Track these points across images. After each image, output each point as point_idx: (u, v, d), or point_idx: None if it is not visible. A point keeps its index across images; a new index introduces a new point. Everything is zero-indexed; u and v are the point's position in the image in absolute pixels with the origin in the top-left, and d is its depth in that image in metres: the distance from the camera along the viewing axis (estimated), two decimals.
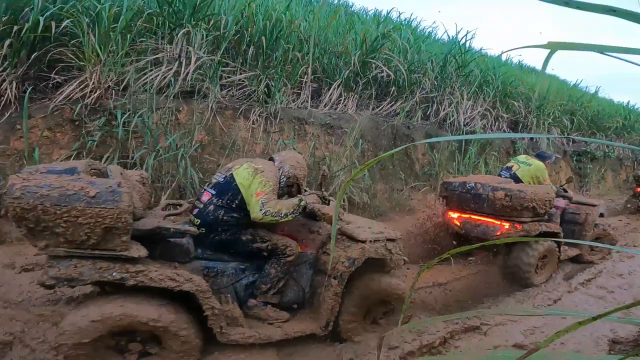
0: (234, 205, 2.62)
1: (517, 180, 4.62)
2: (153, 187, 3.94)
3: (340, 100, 6.16)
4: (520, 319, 3.43)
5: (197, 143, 4.27)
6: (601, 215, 5.26)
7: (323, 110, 5.81)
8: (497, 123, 8.21)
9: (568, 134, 10.35)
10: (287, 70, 5.54)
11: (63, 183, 2.02)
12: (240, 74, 5.07)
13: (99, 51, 3.85)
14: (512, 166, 4.93)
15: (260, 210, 2.53)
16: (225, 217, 2.61)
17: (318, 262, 2.91)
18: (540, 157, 5.06)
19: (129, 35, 4.08)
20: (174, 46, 4.55)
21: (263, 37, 5.20)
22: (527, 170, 4.77)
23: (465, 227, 4.48)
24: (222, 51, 4.83)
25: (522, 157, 5.11)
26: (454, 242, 4.63)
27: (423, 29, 9.11)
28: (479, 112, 7.71)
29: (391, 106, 6.80)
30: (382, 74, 6.59)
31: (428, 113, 7.11)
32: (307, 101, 5.76)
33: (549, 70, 10.87)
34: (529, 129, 8.64)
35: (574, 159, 10.12)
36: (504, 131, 8.34)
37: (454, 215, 4.65)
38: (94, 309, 2.20)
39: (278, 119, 5.04)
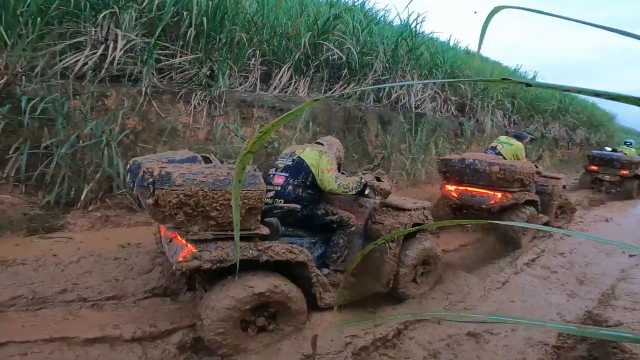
0: (307, 183, 2.81)
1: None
2: (72, 179, 3.32)
3: (291, 83, 5.61)
4: (474, 306, 3.14)
5: (128, 130, 3.65)
6: (564, 187, 5.77)
7: (273, 93, 5.25)
8: (445, 105, 7.93)
9: (510, 116, 10.31)
10: (234, 52, 4.93)
11: (212, 170, 2.09)
12: (180, 57, 4.40)
13: (5, 36, 3.14)
14: (497, 146, 5.35)
15: (335, 182, 2.79)
16: (304, 194, 2.79)
17: (369, 231, 3.05)
18: (519, 137, 5.52)
19: (39, 19, 3.35)
20: (99, 29, 3.83)
21: (205, 19, 4.54)
22: (509, 149, 5.21)
23: (462, 198, 4.81)
24: (157, 34, 4.13)
25: (503, 138, 5.55)
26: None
27: (375, 12, 8.59)
28: (429, 94, 7.37)
29: (343, 89, 6.32)
30: (334, 56, 6.08)
31: (380, 95, 6.68)
32: (255, 84, 5.18)
33: (494, 58, 10.73)
34: (474, 111, 8.43)
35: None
36: (453, 114, 8.08)
37: (451, 188, 4.94)
38: (241, 287, 2.22)
39: (223, 103, 4.44)
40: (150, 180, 1.98)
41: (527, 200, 4.66)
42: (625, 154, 8.95)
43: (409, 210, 3.01)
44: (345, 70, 6.26)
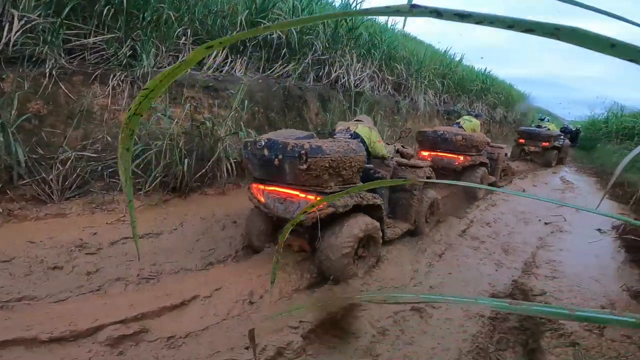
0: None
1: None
2: None
3: (227, 62, 5.00)
4: (420, 282, 2.92)
5: (30, 114, 2.94)
6: (506, 155, 6.72)
7: (207, 73, 4.62)
8: (383, 85, 7.66)
9: (440, 95, 10.28)
10: (161, 31, 4.23)
11: (339, 142, 2.66)
12: (95, 36, 3.64)
13: None
14: (460, 122, 6.27)
15: (385, 149, 3.34)
16: None
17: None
18: (477, 116, 6.60)
19: None
20: None
21: None
22: (469, 124, 6.14)
23: (434, 161, 5.35)
24: (66, 13, 3.35)
25: (466, 117, 6.51)
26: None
27: None
28: (367, 74, 7.02)
29: (283, 68, 5.79)
30: (273, 36, 5.53)
31: (320, 74, 6.22)
32: None
33: (427, 41, 10.55)
34: (409, 90, 8.24)
35: (445, 117, 10.12)
36: (389, 93, 7.83)
37: (426, 153, 5.66)
38: (357, 225, 2.71)
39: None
40: (303, 152, 2.40)
41: (481, 162, 5.53)
42: (549, 128, 9.86)
43: (422, 167, 3.65)
44: (285, 49, 5.72)
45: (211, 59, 4.80)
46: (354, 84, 6.51)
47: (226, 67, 4.90)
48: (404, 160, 3.67)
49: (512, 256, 3.49)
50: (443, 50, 11.04)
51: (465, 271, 3.10)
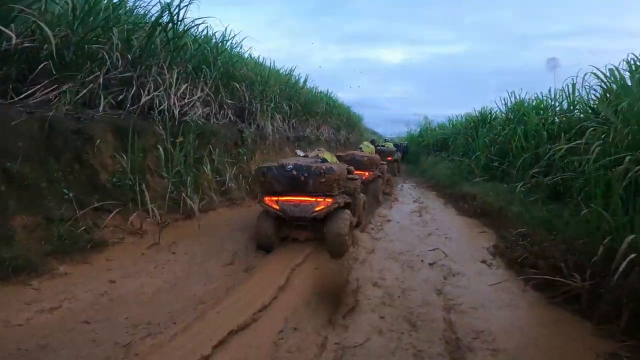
0: None
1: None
2: None
3: None
4: None
5: None
6: (387, 169, 8.40)
7: None
8: (222, 111, 5.95)
9: (288, 120, 9.18)
10: None
11: (337, 164, 4.16)
12: None
13: None
14: (362, 146, 7.96)
15: None
16: None
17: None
18: (372, 142, 9.07)
19: None
20: None
21: None
22: (367, 148, 7.82)
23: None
24: None
25: (365, 143, 8.50)
26: None
27: None
28: (200, 97, 5.20)
29: (51, 91, 3.50)
30: (27, 44, 3.27)
31: (121, 99, 4.13)
32: None
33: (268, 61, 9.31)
34: (254, 115, 6.76)
35: (296, 143, 9.09)
36: (231, 119, 6.16)
37: None
38: (348, 214, 3.89)
39: None
40: (322, 171, 3.58)
41: (378, 176, 7.01)
42: (389, 147, 11.76)
43: (358, 179, 4.67)
44: (49, 63, 3.43)
45: None
46: (179, 110, 4.61)
47: None
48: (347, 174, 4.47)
49: (424, 331, 2.30)
50: (287, 71, 9.95)
51: None
